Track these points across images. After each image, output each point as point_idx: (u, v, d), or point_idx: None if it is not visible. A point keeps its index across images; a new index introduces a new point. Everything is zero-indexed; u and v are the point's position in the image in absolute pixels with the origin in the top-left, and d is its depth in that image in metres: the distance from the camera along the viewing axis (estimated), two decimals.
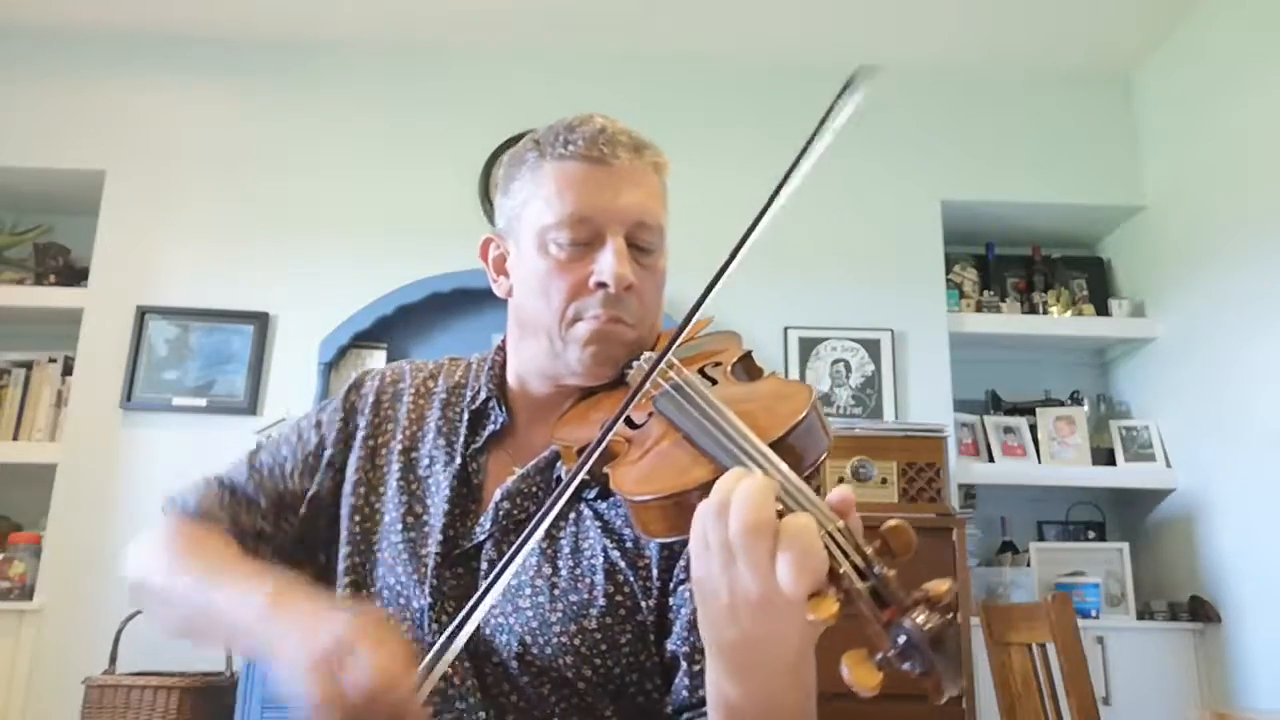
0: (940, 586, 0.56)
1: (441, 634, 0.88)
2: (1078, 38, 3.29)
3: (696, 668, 0.86)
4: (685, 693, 0.86)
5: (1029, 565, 3.06)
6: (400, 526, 0.96)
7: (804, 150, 0.80)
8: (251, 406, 3.04)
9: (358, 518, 0.99)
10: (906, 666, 0.54)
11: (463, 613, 0.73)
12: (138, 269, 3.15)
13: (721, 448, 0.69)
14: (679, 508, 0.69)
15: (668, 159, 0.99)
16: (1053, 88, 3.46)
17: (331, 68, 3.38)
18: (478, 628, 0.89)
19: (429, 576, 0.91)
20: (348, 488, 1.01)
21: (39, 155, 3.23)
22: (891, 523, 0.59)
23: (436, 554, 0.92)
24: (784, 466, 0.65)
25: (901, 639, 0.54)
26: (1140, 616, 2.96)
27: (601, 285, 0.91)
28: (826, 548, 0.57)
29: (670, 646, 0.88)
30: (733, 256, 0.80)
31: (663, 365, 0.82)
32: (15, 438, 3.08)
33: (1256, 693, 2.69)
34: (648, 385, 0.81)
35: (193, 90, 3.35)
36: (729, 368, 0.90)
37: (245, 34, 3.34)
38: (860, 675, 0.54)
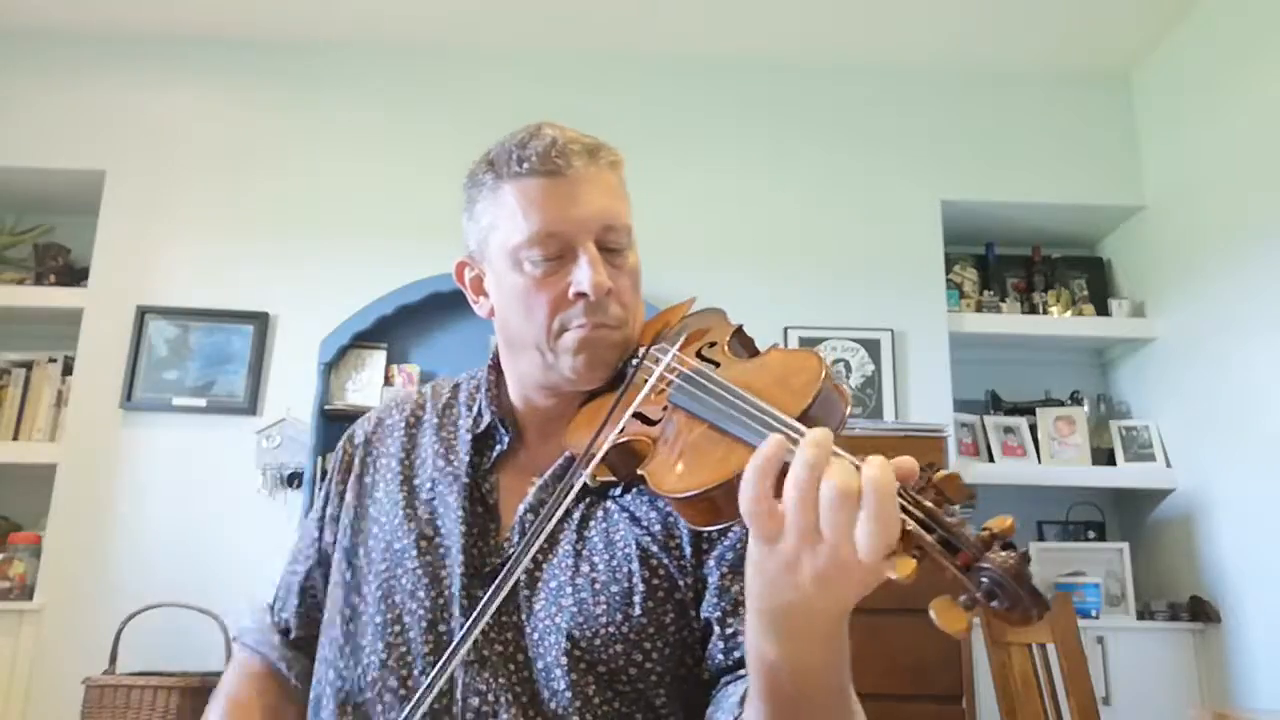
0: (1004, 522, 0.59)
1: (471, 652, 0.90)
2: (1078, 37, 3.29)
3: (729, 630, 0.88)
4: (720, 656, 0.88)
5: (1030, 561, 3.06)
6: (415, 551, 0.96)
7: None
8: (251, 406, 3.04)
9: (360, 550, 1.00)
10: (995, 605, 0.56)
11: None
12: (138, 269, 3.15)
13: (753, 431, 0.70)
14: (726, 496, 0.70)
15: (621, 155, 1.00)
16: (1053, 88, 3.46)
17: (332, 68, 3.38)
18: (527, 636, 0.91)
19: (457, 596, 0.92)
20: (342, 531, 1.03)
21: (39, 155, 3.23)
22: (943, 472, 0.61)
23: (461, 574, 0.93)
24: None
25: (985, 580, 0.56)
26: (1140, 616, 2.96)
27: (581, 295, 0.92)
28: None
29: (703, 614, 0.90)
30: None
31: (667, 361, 0.83)
32: (15, 438, 3.08)
33: (1256, 693, 2.69)
34: (648, 390, 0.81)
35: (192, 90, 3.35)
36: (725, 346, 0.91)
37: (245, 34, 3.34)
38: (949, 620, 0.56)
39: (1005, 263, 3.55)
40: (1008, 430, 3.26)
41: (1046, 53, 3.37)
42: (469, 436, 1.02)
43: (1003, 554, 0.56)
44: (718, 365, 0.87)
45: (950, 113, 3.44)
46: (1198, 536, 2.98)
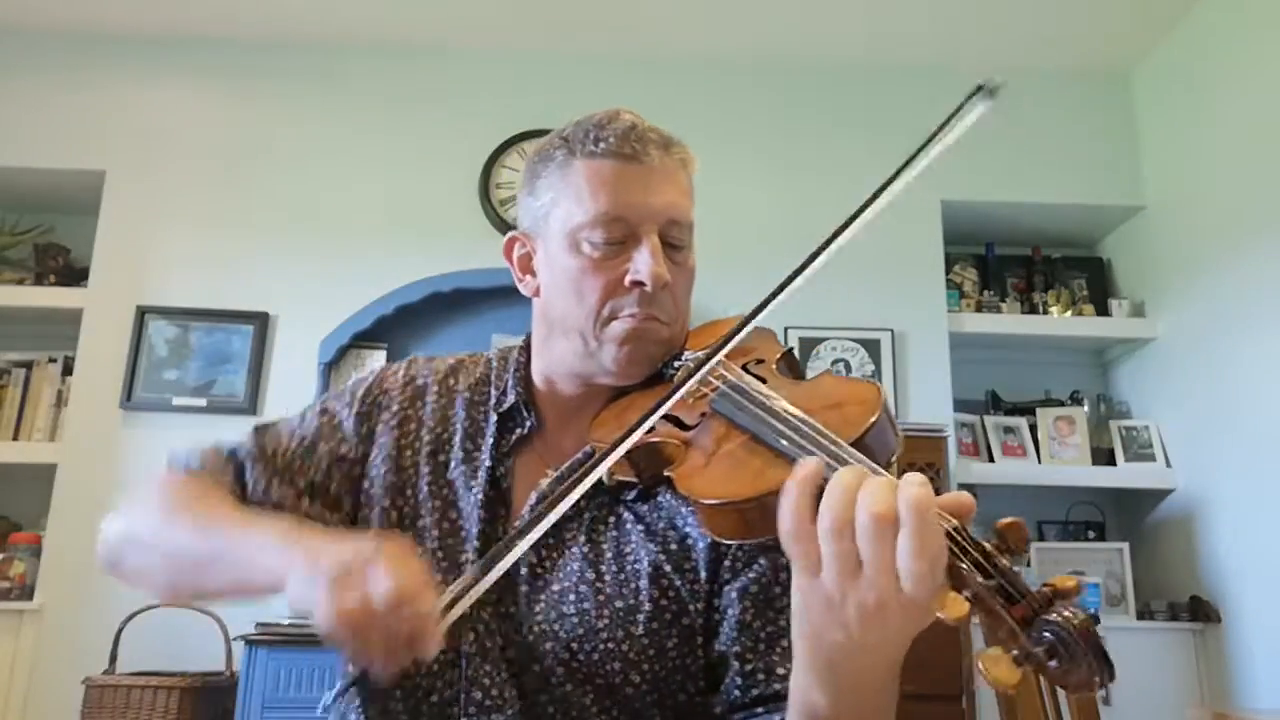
0: (1069, 581, 0.55)
1: (473, 644, 0.87)
2: (1077, 37, 3.29)
3: (749, 667, 0.85)
4: (737, 692, 0.85)
5: (1029, 565, 3.06)
6: (437, 533, 0.94)
7: (912, 158, 0.79)
8: (251, 406, 3.04)
9: (393, 515, 0.96)
10: (1054, 664, 0.53)
11: (491, 551, 0.73)
12: (138, 269, 3.15)
13: (801, 449, 0.68)
14: (759, 510, 0.67)
15: (694, 155, 0.99)
16: (1053, 88, 3.46)
17: (332, 67, 3.38)
18: (523, 636, 0.88)
19: None
20: (378, 490, 0.97)
21: (39, 155, 3.22)
22: (1006, 519, 0.58)
23: (475, 561, 0.90)
24: (873, 464, 0.63)
25: (1049, 635, 0.52)
26: (1140, 616, 2.96)
27: (638, 284, 0.90)
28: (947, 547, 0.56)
29: (720, 647, 0.87)
30: (798, 272, 0.81)
31: (712, 365, 0.80)
32: (15, 438, 3.08)
33: (1256, 693, 2.69)
34: (693, 384, 0.79)
35: (193, 90, 3.35)
36: (772, 365, 0.89)
37: (246, 34, 3.34)
38: (1001, 674, 0.53)
39: (1005, 263, 3.55)
40: (1008, 430, 3.26)
41: (1046, 53, 3.37)
42: (494, 416, 0.99)
43: (1071, 609, 0.53)
44: (764, 382, 0.84)
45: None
46: (1198, 536, 2.98)
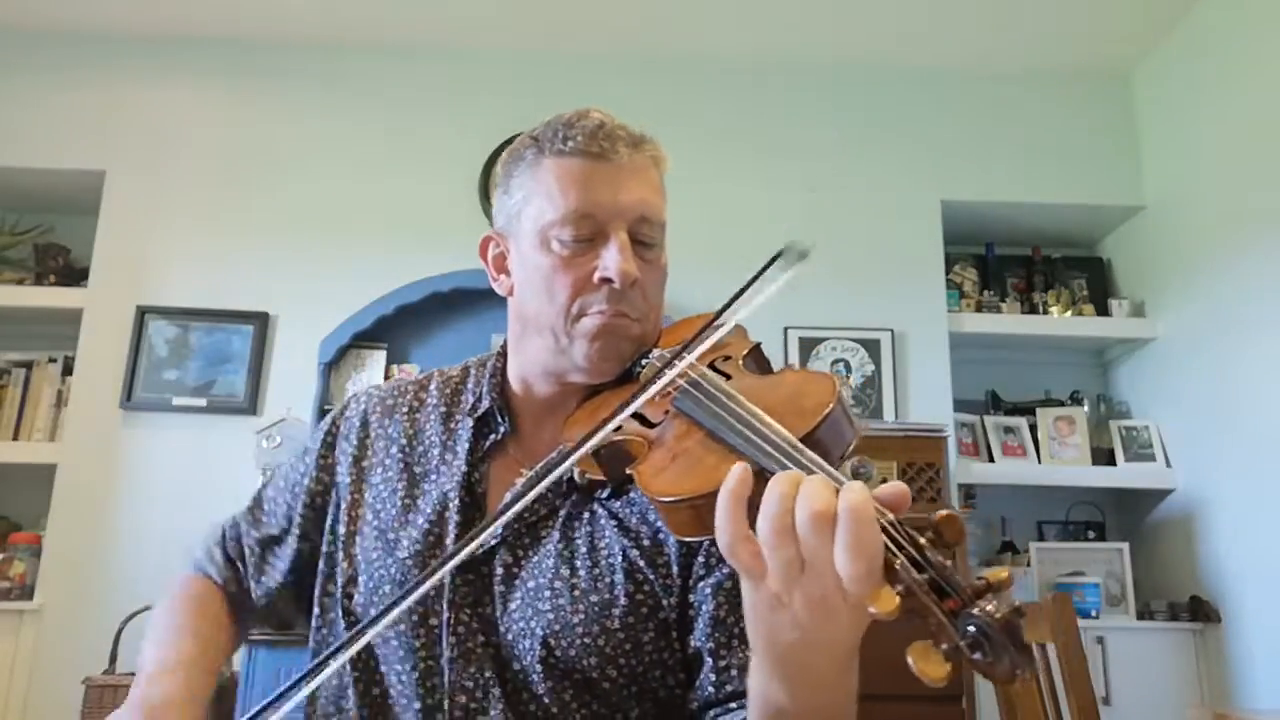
0: (1000, 574, 0.56)
1: (454, 648, 0.88)
2: (1077, 37, 3.29)
3: (722, 663, 0.86)
4: (711, 689, 0.86)
5: (1029, 565, 3.06)
6: (407, 541, 0.94)
7: (724, 309, 0.81)
8: (251, 406, 3.04)
9: (358, 538, 0.97)
10: (978, 656, 0.53)
11: (352, 633, 0.77)
12: (138, 269, 3.15)
13: (752, 444, 0.69)
14: (710, 507, 0.68)
15: (665, 153, 0.99)
16: (1053, 88, 3.46)
17: (332, 68, 3.38)
18: (501, 634, 0.88)
19: (447, 589, 0.90)
20: (331, 519, 1.00)
21: (39, 155, 3.22)
22: (942, 512, 0.58)
23: (452, 568, 0.90)
24: (820, 460, 0.65)
25: (972, 629, 0.53)
26: (1140, 616, 2.96)
27: (606, 281, 0.90)
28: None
29: (694, 643, 0.88)
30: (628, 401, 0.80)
31: (675, 360, 0.81)
32: (15, 438, 3.08)
33: (1256, 693, 2.69)
34: (663, 384, 0.80)
35: (192, 90, 3.35)
36: (739, 360, 0.90)
37: (246, 34, 3.34)
38: (928, 667, 0.54)
39: (1005, 263, 3.55)
40: (1008, 430, 3.26)
41: (1046, 53, 3.37)
42: (470, 421, 1.00)
43: (995, 603, 0.53)
44: (729, 378, 0.85)
45: (950, 113, 3.44)
46: (1198, 536, 2.98)
